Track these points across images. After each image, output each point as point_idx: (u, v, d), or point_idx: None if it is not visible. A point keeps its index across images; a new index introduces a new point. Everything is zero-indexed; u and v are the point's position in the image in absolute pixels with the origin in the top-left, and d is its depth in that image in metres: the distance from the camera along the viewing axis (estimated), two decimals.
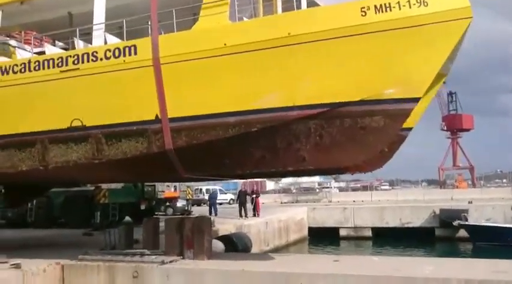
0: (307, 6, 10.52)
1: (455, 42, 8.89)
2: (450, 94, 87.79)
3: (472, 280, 8.40)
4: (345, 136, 9.41)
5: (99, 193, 21.85)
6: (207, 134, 9.66)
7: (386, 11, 8.76)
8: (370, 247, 27.58)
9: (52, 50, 11.69)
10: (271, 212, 28.79)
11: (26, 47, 12.72)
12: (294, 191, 43.32)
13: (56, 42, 13.12)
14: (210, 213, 26.85)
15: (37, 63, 10.99)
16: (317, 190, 43.40)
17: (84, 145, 10.51)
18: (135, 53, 10.13)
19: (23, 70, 11.12)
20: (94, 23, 10.90)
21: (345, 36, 8.84)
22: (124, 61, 10.17)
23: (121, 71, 10.19)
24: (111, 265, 10.89)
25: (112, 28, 11.44)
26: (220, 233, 18.35)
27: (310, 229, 29.73)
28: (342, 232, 29.13)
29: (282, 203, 37.75)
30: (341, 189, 51.71)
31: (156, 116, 9.91)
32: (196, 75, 9.71)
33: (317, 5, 10.89)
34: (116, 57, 10.26)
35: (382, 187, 64.06)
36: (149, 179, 19.59)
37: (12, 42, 13.11)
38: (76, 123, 10.51)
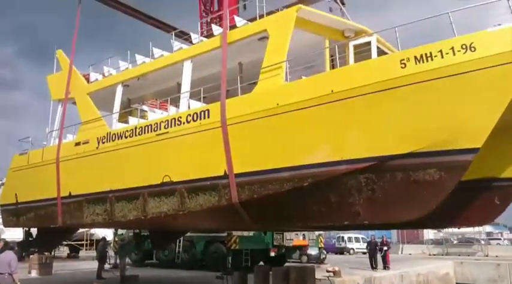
0: (377, 55, 10.58)
1: None
2: None
3: None
4: (398, 191, 9.04)
5: (231, 239, 23.30)
6: (265, 188, 10.21)
7: (427, 60, 8.42)
8: None
9: (153, 116, 13.65)
10: (412, 264, 27.02)
11: (157, 110, 15.19)
12: (455, 242, 39.25)
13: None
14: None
15: (141, 129, 13.01)
16: (482, 242, 38.57)
17: (172, 198, 11.94)
18: (208, 116, 11.37)
19: (132, 134, 13.26)
20: (181, 92, 12.57)
21: (385, 90, 8.71)
22: (200, 124, 11.50)
23: (198, 133, 11.51)
24: None
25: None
26: None
27: None
28: None
29: (429, 255, 34.73)
30: None
31: (225, 172, 10.85)
32: (255, 134, 10.46)
33: (385, 53, 10.88)
34: (194, 121, 11.66)
35: None
36: (224, 228, 20.66)
37: (145, 107, 15.76)
38: (166, 179, 12.06)
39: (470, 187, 11.85)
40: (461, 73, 8.23)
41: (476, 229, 38.74)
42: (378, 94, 8.78)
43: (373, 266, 23.59)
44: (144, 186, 12.63)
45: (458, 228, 18.01)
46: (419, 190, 8.87)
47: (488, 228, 40.36)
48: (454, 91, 8.34)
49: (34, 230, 19.14)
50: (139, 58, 15.12)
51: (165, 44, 14.98)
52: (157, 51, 14.72)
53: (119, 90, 14.72)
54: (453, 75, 8.26)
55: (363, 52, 10.75)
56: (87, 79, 16.75)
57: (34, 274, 21.65)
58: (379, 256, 24.31)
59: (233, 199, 10.70)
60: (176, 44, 14.19)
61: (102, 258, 20.90)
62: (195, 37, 13.80)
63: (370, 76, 8.91)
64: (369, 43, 10.90)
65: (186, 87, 12.63)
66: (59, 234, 18.36)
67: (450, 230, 39.27)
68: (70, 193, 14.99)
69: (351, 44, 11.13)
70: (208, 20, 22.24)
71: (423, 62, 8.45)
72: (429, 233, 45.85)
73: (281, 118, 9.95)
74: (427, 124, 8.63)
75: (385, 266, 23.69)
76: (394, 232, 41.23)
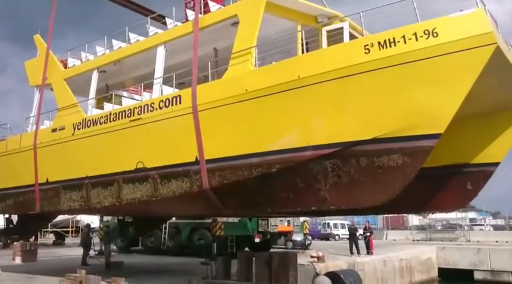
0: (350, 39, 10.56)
1: (477, 73, 8.07)
2: None
3: None
4: (363, 176, 9.13)
5: (215, 226, 23.38)
6: (235, 174, 10.27)
7: (390, 46, 8.44)
8: None
9: (128, 102, 13.61)
10: (395, 249, 27.35)
11: (135, 96, 15.17)
12: (440, 228, 39.81)
13: None
14: None
15: (115, 115, 12.97)
16: (466, 227, 39.01)
17: (145, 184, 11.97)
18: (180, 102, 11.36)
19: (106, 121, 13.21)
20: (154, 78, 12.53)
21: (348, 75, 8.74)
22: (172, 110, 11.48)
23: (170, 119, 11.49)
24: None
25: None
26: (330, 270, 18.35)
27: (441, 270, 27.24)
28: (477, 275, 26.00)
29: (413, 240, 35.19)
30: (497, 227, 45.66)
31: (196, 158, 10.88)
32: (225, 120, 10.48)
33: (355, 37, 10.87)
34: (166, 107, 11.63)
35: None
36: (197, 214, 20.80)
37: (124, 93, 15.71)
38: (140, 165, 12.07)
39: (442, 173, 12.05)
40: (423, 59, 8.26)
41: (460, 215, 39.29)
42: (342, 80, 8.81)
43: (352, 252, 23.76)
44: (119, 172, 12.63)
45: (432, 213, 18.11)
46: (383, 175, 8.96)
47: (472, 214, 40.86)
48: (416, 77, 8.38)
49: (15, 217, 19.16)
50: (115, 43, 15.02)
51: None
52: (134, 37, 14.61)
53: (95, 75, 14.65)
54: (415, 60, 8.29)
55: (336, 35, 10.73)
56: (65, 65, 16.62)
57: (18, 261, 21.68)
58: (361, 242, 24.54)
59: (204, 185, 10.75)
60: (152, 29, 14.08)
61: (86, 245, 20.96)
62: (170, 22, 13.70)
63: (335, 62, 8.93)
64: (341, 28, 10.89)
65: (159, 72, 12.58)
66: (39, 220, 18.38)
67: (435, 216, 39.78)
68: (47, 179, 14.98)
69: (324, 29, 11.11)
70: (192, 5, 22.01)
71: (386, 47, 8.47)
72: (414, 220, 46.34)
73: (250, 104, 9.96)
74: (390, 110, 8.69)
75: (369, 252, 23.92)
76: (379, 218, 41.66)
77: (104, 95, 15.13)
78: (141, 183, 12.11)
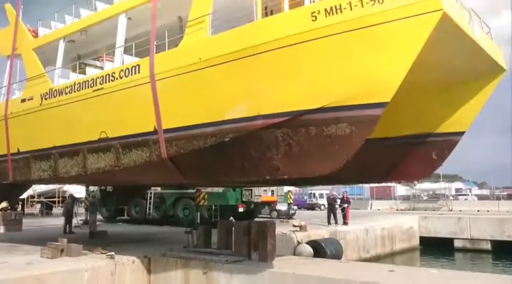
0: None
1: (422, 41, 7.94)
2: None
3: None
4: (313, 145, 9.12)
5: (199, 195, 23.59)
6: (191, 144, 10.30)
7: (336, 13, 8.32)
8: (488, 261, 24.65)
9: (91, 72, 13.54)
10: (377, 219, 27.71)
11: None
12: (426, 198, 40.31)
13: None
14: None
15: (79, 85, 12.92)
16: (451, 197, 39.35)
17: (108, 154, 12.03)
18: (139, 72, 11.29)
19: (71, 91, 13.17)
20: (116, 47, 12.42)
21: (297, 43, 8.64)
22: (131, 79, 11.42)
23: (130, 88, 11.45)
24: (186, 262, 12.28)
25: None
26: (312, 238, 18.65)
27: (422, 239, 27.69)
28: (457, 244, 26.51)
29: (397, 210, 35.63)
30: (481, 197, 46.18)
31: (154, 128, 10.89)
32: (180, 89, 10.44)
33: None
34: (126, 76, 11.57)
35: None
36: (160, 183, 20.94)
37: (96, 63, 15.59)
38: (103, 135, 12.11)
39: (407, 142, 12.08)
40: (368, 26, 8.13)
41: (445, 185, 39.64)
42: (289, 47, 8.70)
43: (330, 222, 24.03)
44: (84, 142, 12.68)
45: (399, 183, 18.38)
46: (332, 144, 8.94)
47: (458, 184, 41.36)
48: (362, 44, 8.26)
49: None
50: (83, 12, 14.81)
51: None
52: (101, 5, 14.40)
53: (61, 45, 14.49)
54: (361, 27, 8.16)
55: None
56: (37, 35, 16.42)
57: (2, 230, 21.97)
58: (338, 212, 24.82)
59: (162, 155, 10.79)
60: None
61: (69, 215, 21.19)
62: None
63: (283, 30, 8.81)
64: None
65: (120, 41, 12.45)
66: (15, 189, 18.60)
67: (420, 186, 40.12)
68: (18, 149, 15.06)
69: None
70: None
71: (333, 14, 8.33)
72: (400, 190, 46.63)
73: (203, 73, 9.89)
74: (337, 79, 8.60)
75: (344, 222, 24.22)
76: (366, 188, 41.97)
77: (71, 65, 15.02)
78: (104, 152, 12.16)
